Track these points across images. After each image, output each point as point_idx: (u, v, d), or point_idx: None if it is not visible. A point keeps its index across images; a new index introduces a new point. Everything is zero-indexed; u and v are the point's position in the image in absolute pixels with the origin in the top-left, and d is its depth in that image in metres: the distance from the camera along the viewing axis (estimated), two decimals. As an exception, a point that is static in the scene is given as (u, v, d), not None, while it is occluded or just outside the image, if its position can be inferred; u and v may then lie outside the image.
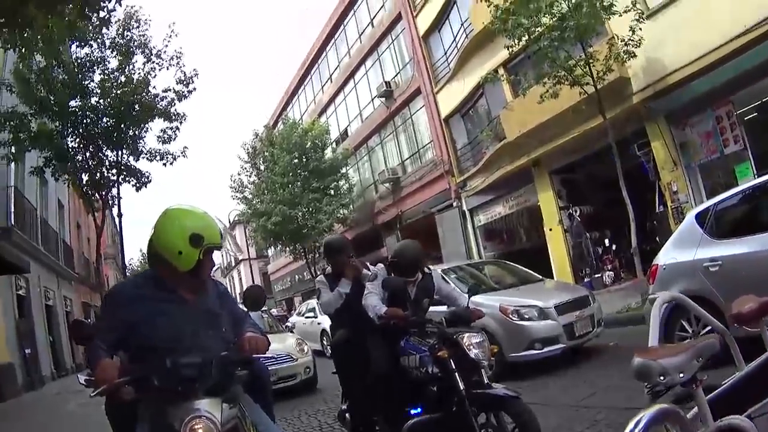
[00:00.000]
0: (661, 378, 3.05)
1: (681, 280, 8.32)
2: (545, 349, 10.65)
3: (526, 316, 10.89)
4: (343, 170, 39.64)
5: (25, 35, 12.15)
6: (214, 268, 4.57)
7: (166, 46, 22.26)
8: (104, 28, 19.87)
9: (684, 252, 8.57)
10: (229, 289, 4.97)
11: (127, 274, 33.71)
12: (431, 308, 7.19)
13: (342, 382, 7.77)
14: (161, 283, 4.01)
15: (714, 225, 8.39)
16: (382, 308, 6.44)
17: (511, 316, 10.90)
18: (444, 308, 7.19)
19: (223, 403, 3.61)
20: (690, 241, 8.55)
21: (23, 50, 14.53)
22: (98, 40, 21.07)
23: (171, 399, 3.52)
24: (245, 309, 4.79)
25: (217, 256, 4.31)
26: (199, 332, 3.89)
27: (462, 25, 27.93)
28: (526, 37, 16.89)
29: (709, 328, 7.37)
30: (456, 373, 5.57)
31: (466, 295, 7.14)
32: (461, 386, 5.49)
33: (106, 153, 22.13)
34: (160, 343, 3.71)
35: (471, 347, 5.68)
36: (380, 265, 7.18)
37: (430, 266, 7.32)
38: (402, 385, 6.32)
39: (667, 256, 8.99)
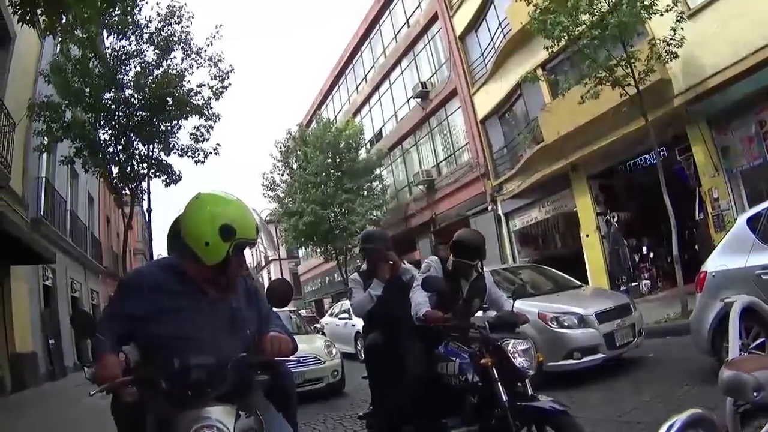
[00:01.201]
0: (755, 395, 2.61)
1: (731, 287, 7.80)
2: (585, 359, 10.22)
3: (566, 324, 10.45)
4: (377, 171, 39.58)
5: (63, 20, 12.07)
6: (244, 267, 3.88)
7: (208, 46, 22.00)
8: (140, 20, 19.91)
9: (735, 258, 8.14)
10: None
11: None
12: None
13: (372, 387, 7.51)
14: (181, 273, 3.59)
15: (767, 230, 7.93)
16: (423, 309, 5.98)
17: (550, 323, 10.46)
18: (480, 314, 6.82)
19: (239, 412, 3.23)
20: (741, 247, 8.12)
21: (62, 38, 14.48)
22: (136, 33, 20.90)
23: (179, 404, 3.15)
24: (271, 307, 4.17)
25: (248, 253, 3.73)
26: (217, 334, 3.47)
27: (500, 25, 27.59)
28: (566, 36, 16.46)
29: (761, 340, 6.99)
30: (499, 383, 5.14)
31: (511, 300, 6.63)
32: (504, 397, 5.06)
33: (137, 146, 21.93)
34: (170, 341, 3.34)
35: (516, 355, 5.26)
36: (433, 257, 6.73)
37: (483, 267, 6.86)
38: (438, 394, 5.87)
39: (716, 262, 8.53)
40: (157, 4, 24.26)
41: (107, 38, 21.27)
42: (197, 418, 3.04)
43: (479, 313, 6.83)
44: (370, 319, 7.43)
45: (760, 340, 7.02)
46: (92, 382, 3.47)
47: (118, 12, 19.39)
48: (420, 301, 6.09)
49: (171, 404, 3.19)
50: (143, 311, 3.40)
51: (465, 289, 6.47)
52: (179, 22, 21.32)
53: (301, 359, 12.59)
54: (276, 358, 3.66)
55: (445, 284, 6.14)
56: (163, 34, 21.11)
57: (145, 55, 21.25)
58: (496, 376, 5.17)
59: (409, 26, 38.01)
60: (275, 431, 3.60)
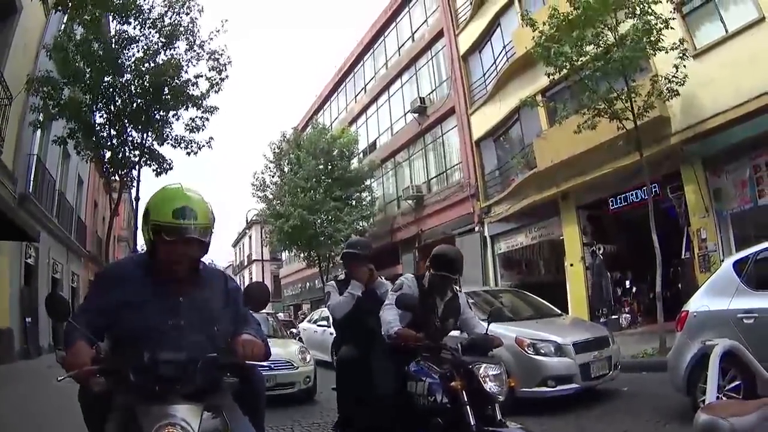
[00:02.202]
0: (731, 440, 2.60)
1: (712, 329, 7.85)
2: (559, 388, 10.18)
3: (543, 351, 10.42)
4: (368, 182, 39.56)
5: None
6: (203, 257, 3.81)
7: (212, 39, 21.88)
8: (143, 5, 19.84)
9: (718, 300, 8.14)
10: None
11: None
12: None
13: (339, 401, 7.52)
14: (151, 267, 3.61)
15: (753, 275, 7.96)
16: (394, 327, 5.93)
17: (526, 349, 10.42)
18: (457, 333, 6.76)
19: (205, 411, 3.22)
20: (725, 290, 8.11)
21: (71, 15, 14.35)
22: (139, 18, 20.71)
23: (146, 398, 3.16)
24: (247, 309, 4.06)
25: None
26: (184, 328, 3.49)
27: (504, 48, 27.65)
28: (568, 66, 16.52)
29: (737, 383, 6.99)
30: (468, 406, 5.11)
31: (484, 324, 6.50)
32: (472, 421, 5.02)
33: (131, 133, 21.81)
34: (139, 334, 3.38)
35: (488, 379, 5.24)
36: (408, 275, 6.67)
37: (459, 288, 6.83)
38: (405, 414, 5.82)
39: (698, 303, 8.55)
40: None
41: (112, 21, 21.20)
42: (162, 415, 3.05)
43: (454, 333, 6.78)
44: (342, 330, 7.43)
45: (736, 382, 7.02)
46: (62, 367, 3.32)
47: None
48: (390, 319, 6.03)
49: (137, 398, 3.18)
50: (115, 304, 3.45)
51: (440, 308, 6.41)
52: (188, 13, 21.23)
53: (275, 363, 12.58)
54: (247, 362, 3.58)
55: (419, 303, 6.10)
56: (167, 20, 20.97)
57: (150, 40, 21.13)
58: (465, 400, 5.14)
59: (413, 40, 38.04)
60: None
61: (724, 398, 7.24)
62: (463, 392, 5.17)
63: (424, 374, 5.71)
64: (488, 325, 6.34)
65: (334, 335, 8.39)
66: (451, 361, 5.58)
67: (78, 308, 3.68)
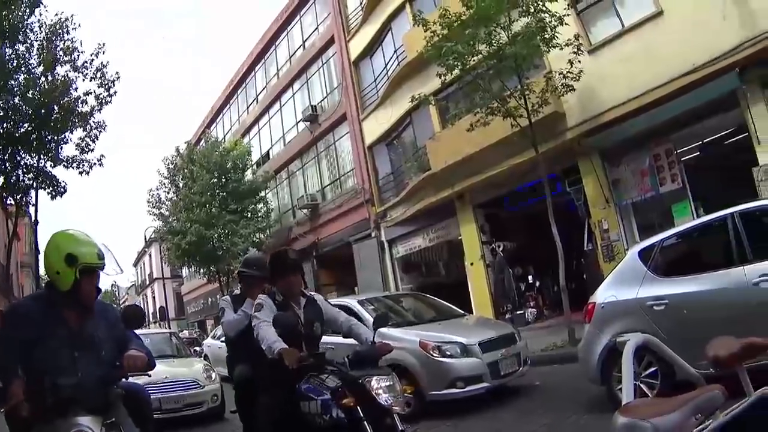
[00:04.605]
0: (654, 443, 2.47)
1: (622, 319, 7.99)
2: (468, 388, 10.12)
3: (448, 353, 10.35)
4: (262, 193, 39.20)
5: None
6: (102, 293, 5.04)
7: (92, 60, 21.25)
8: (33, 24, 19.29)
9: (625, 290, 8.19)
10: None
11: (42, 284, 32.75)
12: (328, 337, 7.01)
13: (243, 421, 7.43)
14: (49, 304, 4.45)
15: (660, 262, 8.09)
16: (278, 345, 5.44)
17: (431, 352, 10.34)
18: (334, 338, 6.89)
19: (105, 421, 4.18)
20: (632, 279, 8.19)
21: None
22: (27, 43, 20.15)
23: (58, 415, 4.00)
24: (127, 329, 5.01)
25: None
26: (77, 355, 4.34)
27: (395, 52, 27.69)
28: (460, 65, 16.61)
29: (653, 369, 6.99)
30: (365, 422, 5.00)
31: (370, 330, 6.18)
32: None
33: (23, 156, 21.10)
34: (42, 364, 4.19)
35: (380, 391, 5.11)
36: (262, 295, 6.23)
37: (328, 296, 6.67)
38: None
39: (606, 293, 8.56)
40: (46, 9, 23.45)
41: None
42: (71, 425, 3.96)
43: (333, 339, 6.63)
44: (235, 348, 7.30)
45: (652, 368, 7.03)
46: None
47: (10, 15, 18.84)
48: (272, 336, 5.59)
49: (50, 416, 4.01)
50: (23, 339, 4.24)
51: (300, 317, 6.12)
52: (67, 33, 20.65)
53: (180, 383, 12.69)
54: (131, 373, 4.59)
55: (295, 317, 5.99)
56: (48, 45, 20.39)
57: (32, 65, 20.52)
58: (362, 415, 5.03)
59: (305, 48, 37.93)
60: None
61: (643, 386, 7.27)
62: (358, 408, 5.05)
63: (314, 392, 5.48)
64: (374, 331, 6.09)
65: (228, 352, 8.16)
66: (340, 377, 5.42)
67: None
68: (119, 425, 4.34)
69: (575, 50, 15.85)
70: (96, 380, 4.29)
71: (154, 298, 75.83)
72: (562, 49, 15.78)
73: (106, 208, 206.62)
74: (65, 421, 3.96)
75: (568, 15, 16.28)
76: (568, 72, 15.88)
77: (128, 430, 4.45)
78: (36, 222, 24.38)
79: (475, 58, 16.39)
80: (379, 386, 5.13)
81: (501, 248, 23.31)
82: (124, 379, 4.72)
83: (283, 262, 6.18)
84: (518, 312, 22.08)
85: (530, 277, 23.24)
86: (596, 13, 18.41)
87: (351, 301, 12.24)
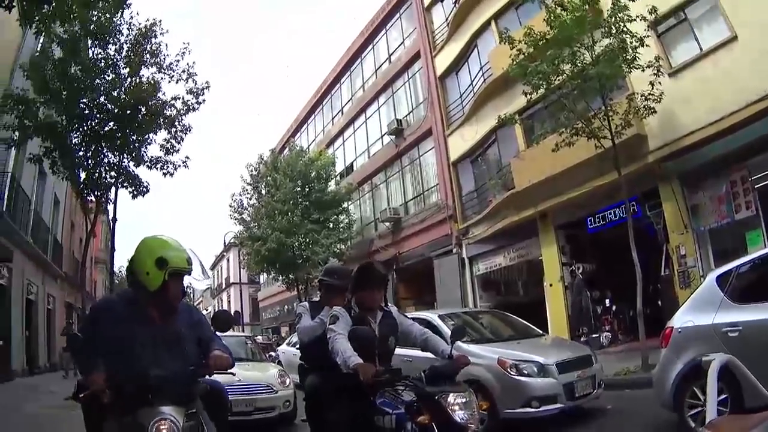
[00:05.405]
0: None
1: (697, 344, 7.85)
2: (542, 408, 10.03)
3: (525, 372, 10.28)
4: (345, 204, 39.38)
5: (44, 10, 11.91)
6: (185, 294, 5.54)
7: (178, 61, 21.84)
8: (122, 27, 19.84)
9: (702, 315, 8.09)
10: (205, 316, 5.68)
11: (116, 281, 33.37)
12: (406, 350, 7.13)
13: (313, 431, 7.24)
14: (135, 303, 4.80)
15: (736, 288, 7.95)
16: (354, 360, 5.35)
17: (509, 370, 10.29)
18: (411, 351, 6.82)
19: (187, 412, 4.42)
20: (709, 304, 8.08)
21: (38, 29, 14.29)
22: (116, 45, 20.87)
23: (141, 404, 4.25)
24: (215, 330, 5.30)
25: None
26: (161, 350, 4.64)
27: (481, 68, 27.70)
28: (545, 84, 16.57)
29: (723, 396, 6.94)
30: None
31: (447, 344, 6.09)
32: None
33: (107, 154, 21.66)
34: (126, 357, 4.51)
35: (456, 408, 5.04)
36: (337, 307, 6.14)
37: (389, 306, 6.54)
38: None
39: (683, 318, 8.48)
40: (137, 13, 23.93)
41: (90, 45, 21.09)
42: (157, 414, 4.19)
43: (411, 351, 6.66)
44: (307, 356, 7.24)
45: (723, 396, 6.97)
46: (78, 388, 4.72)
47: (100, 16, 19.38)
48: (347, 349, 5.48)
49: (136, 404, 4.26)
50: (110, 335, 4.57)
51: (376, 330, 6.00)
52: (155, 37, 21.38)
53: (254, 387, 12.55)
54: (216, 371, 4.81)
55: (372, 332, 5.88)
56: (135, 50, 21.10)
57: (118, 66, 21.13)
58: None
59: (390, 62, 38.17)
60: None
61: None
62: (433, 425, 4.97)
63: (389, 406, 5.39)
64: (452, 344, 6.06)
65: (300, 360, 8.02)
66: (416, 392, 5.32)
67: (82, 337, 4.72)
68: (199, 416, 4.62)
69: (656, 71, 15.66)
70: (185, 374, 4.60)
71: (229, 302, 76.68)
72: (643, 70, 15.61)
73: (183, 206, 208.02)
74: (151, 410, 4.20)
75: (648, 36, 16.06)
76: (649, 94, 15.71)
77: (208, 426, 4.71)
78: (114, 219, 24.77)
79: (559, 78, 16.31)
80: (455, 403, 5.06)
81: (580, 270, 23.03)
82: (207, 376, 4.93)
83: (370, 276, 6.08)
84: (593, 335, 21.73)
85: (607, 301, 22.81)
86: (676, 35, 18.29)
87: (431, 315, 12.33)
